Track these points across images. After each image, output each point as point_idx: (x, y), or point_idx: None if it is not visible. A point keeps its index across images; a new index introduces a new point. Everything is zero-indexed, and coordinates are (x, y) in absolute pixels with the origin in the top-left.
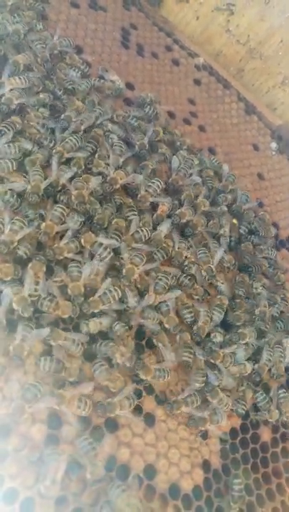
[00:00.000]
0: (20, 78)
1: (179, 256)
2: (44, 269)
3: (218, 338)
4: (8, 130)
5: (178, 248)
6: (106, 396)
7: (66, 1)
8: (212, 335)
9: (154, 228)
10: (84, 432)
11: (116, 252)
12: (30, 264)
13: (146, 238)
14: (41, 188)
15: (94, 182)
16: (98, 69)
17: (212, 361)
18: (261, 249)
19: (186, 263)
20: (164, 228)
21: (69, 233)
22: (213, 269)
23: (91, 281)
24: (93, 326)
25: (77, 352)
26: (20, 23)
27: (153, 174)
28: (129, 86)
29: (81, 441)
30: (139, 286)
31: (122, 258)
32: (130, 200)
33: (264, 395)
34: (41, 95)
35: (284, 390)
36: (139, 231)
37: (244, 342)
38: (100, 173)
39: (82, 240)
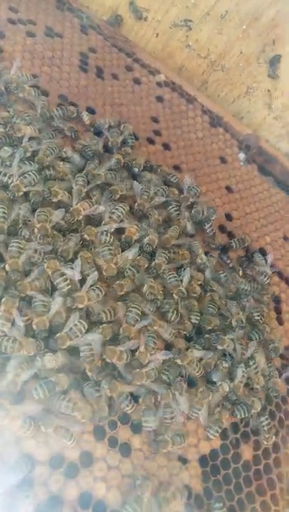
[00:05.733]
0: None
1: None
2: (17, 305)
3: (195, 353)
4: None
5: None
6: None
7: (22, 32)
8: (188, 350)
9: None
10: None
11: None
12: (2, 300)
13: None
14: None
15: (57, 215)
16: (56, 97)
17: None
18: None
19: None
20: (130, 255)
21: (35, 272)
22: (184, 291)
23: (55, 316)
24: (48, 360)
25: None
26: None
27: (119, 200)
28: (90, 110)
29: None
30: None
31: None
32: (95, 230)
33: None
34: (1, 129)
35: (266, 417)
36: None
37: (222, 348)
38: (60, 202)
39: (46, 266)
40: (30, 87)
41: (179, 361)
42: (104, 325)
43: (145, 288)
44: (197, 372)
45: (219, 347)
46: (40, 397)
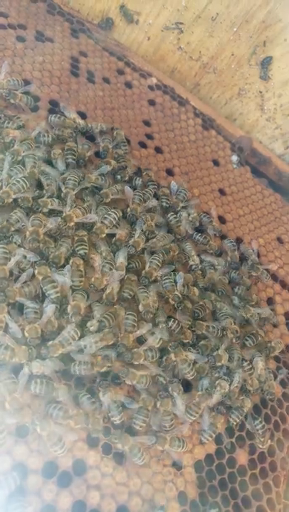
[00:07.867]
0: None
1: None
2: (6, 310)
3: (190, 355)
4: None
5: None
6: None
7: (12, 36)
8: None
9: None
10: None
11: None
12: None
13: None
14: None
15: (52, 223)
16: (47, 102)
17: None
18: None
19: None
20: (122, 258)
21: (23, 276)
22: (180, 296)
23: (47, 324)
24: (36, 367)
25: None
26: None
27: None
28: (81, 115)
29: None
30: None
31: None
32: (84, 233)
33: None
34: None
35: (260, 420)
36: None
37: (220, 364)
38: (52, 210)
39: (36, 271)
40: (22, 93)
41: (172, 356)
42: (105, 330)
43: (140, 307)
44: (190, 374)
45: (218, 364)
46: (36, 392)
